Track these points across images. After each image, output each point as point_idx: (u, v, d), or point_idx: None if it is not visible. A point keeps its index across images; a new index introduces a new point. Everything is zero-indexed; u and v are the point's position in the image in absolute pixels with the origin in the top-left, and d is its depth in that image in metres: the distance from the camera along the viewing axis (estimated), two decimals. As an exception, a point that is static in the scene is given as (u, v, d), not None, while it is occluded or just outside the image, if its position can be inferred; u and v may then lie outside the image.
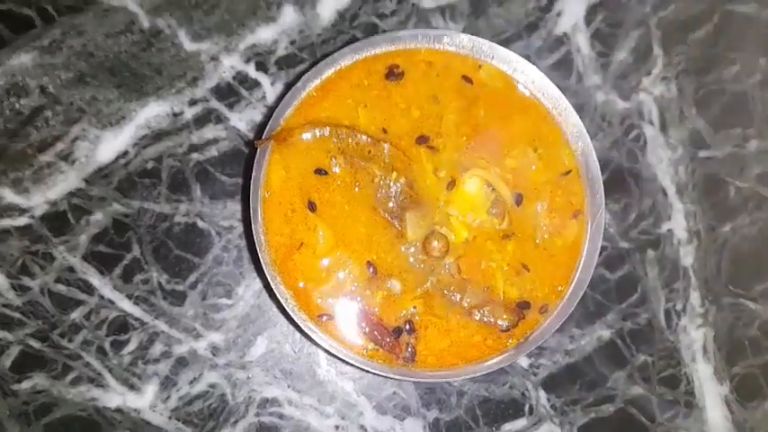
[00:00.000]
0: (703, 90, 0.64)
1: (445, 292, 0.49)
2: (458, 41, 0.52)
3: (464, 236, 0.50)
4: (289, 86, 0.60)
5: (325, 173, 0.49)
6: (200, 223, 0.58)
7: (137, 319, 0.57)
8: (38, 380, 0.56)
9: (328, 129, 0.49)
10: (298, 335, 0.58)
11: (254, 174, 0.49)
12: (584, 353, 0.60)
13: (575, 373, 0.60)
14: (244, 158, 0.59)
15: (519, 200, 0.51)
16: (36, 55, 0.58)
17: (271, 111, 0.59)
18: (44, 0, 0.59)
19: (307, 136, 0.49)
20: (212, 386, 0.57)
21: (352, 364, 0.48)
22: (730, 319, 0.62)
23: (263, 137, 0.49)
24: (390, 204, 0.50)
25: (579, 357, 0.60)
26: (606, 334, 0.61)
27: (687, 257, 0.62)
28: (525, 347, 0.50)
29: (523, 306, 0.50)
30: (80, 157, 0.58)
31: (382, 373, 0.49)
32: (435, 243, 0.49)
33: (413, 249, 0.49)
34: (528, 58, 0.62)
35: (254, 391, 0.57)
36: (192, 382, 0.57)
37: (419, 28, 0.62)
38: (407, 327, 0.49)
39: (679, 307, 0.62)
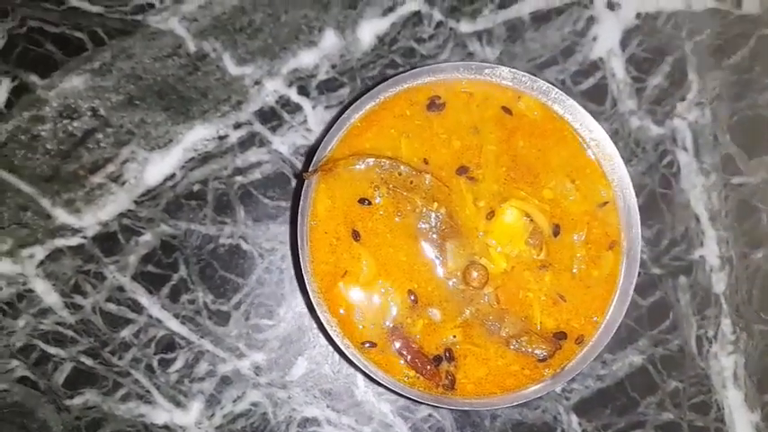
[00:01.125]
0: (737, 116, 0.64)
1: (484, 321, 0.51)
2: (498, 73, 0.53)
3: (502, 266, 0.51)
4: (329, 110, 0.62)
5: (369, 203, 0.51)
6: (244, 245, 0.60)
7: (183, 338, 0.59)
8: (89, 396, 0.58)
9: (373, 159, 0.51)
10: (337, 356, 0.60)
11: (301, 204, 0.50)
12: (615, 378, 0.62)
13: (606, 398, 0.61)
14: (286, 181, 0.61)
15: (556, 231, 0.52)
16: (87, 77, 0.60)
17: (312, 135, 0.61)
18: (95, 23, 0.60)
19: (355, 167, 0.50)
20: (254, 405, 0.59)
21: (393, 391, 0.50)
22: (761, 346, 0.63)
23: (311, 168, 0.51)
24: (431, 234, 0.51)
25: (611, 382, 0.61)
26: (638, 360, 0.62)
27: (719, 284, 0.63)
28: (562, 377, 0.51)
29: (560, 337, 0.51)
30: (129, 178, 0.60)
31: (422, 401, 0.50)
32: (475, 273, 0.50)
33: (453, 279, 0.51)
34: (563, 82, 0.63)
35: (294, 411, 0.59)
36: (235, 401, 0.59)
37: (456, 52, 0.63)
38: (447, 355, 0.50)
39: (710, 333, 0.63)
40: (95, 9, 0.61)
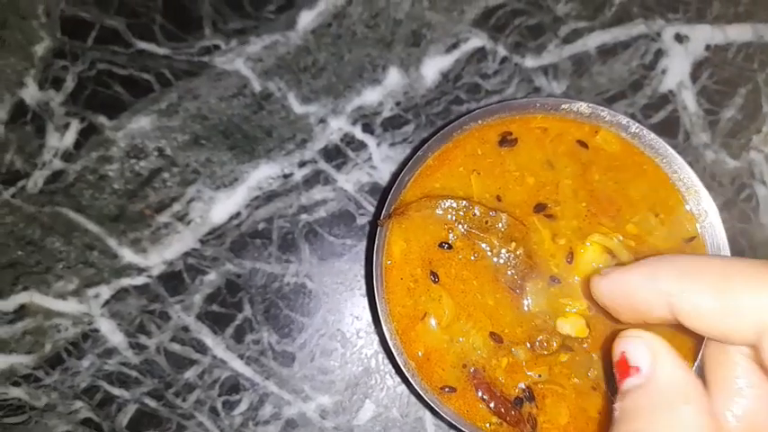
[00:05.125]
0: (816, 147, 0.62)
1: (571, 363, 0.48)
2: (576, 108, 0.52)
3: (585, 304, 0.49)
4: (394, 147, 0.61)
5: (450, 246, 0.49)
6: (309, 284, 0.59)
7: (248, 379, 0.57)
8: (153, 439, 0.57)
9: (447, 202, 0.49)
10: (405, 399, 0.57)
11: (375, 245, 0.49)
12: (700, 424, 0.58)
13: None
14: (351, 219, 0.60)
15: (641, 269, 0.50)
16: (154, 118, 0.61)
17: (377, 172, 0.60)
18: (162, 65, 0.61)
19: (434, 211, 0.49)
20: (321, 450, 0.57)
21: (477, 440, 0.47)
22: None
23: (384, 212, 0.50)
24: (510, 274, 0.49)
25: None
26: (723, 404, 0.58)
27: (807, 324, 0.59)
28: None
29: (652, 381, 0.48)
30: (195, 217, 0.59)
31: (507, 449, 0.48)
32: (541, 340, 0.48)
33: (537, 321, 0.49)
34: (633, 116, 0.62)
35: (362, 456, 0.57)
36: (301, 445, 0.57)
37: (522, 87, 0.62)
38: (527, 394, 0.48)
39: (801, 377, 0.59)
40: (162, 51, 0.61)
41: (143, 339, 0.58)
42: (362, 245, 0.59)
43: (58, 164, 0.60)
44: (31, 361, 0.57)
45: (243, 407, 0.57)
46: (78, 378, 0.57)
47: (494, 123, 0.52)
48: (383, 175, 0.61)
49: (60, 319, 0.58)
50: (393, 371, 0.57)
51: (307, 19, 0.62)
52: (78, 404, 0.57)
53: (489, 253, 0.49)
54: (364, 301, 0.59)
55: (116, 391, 0.57)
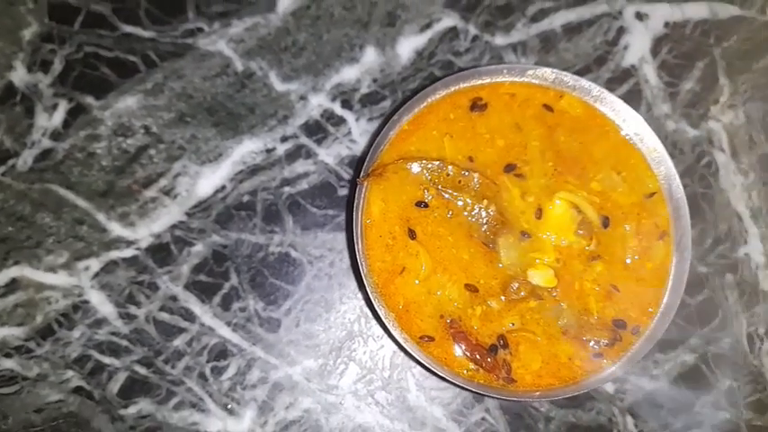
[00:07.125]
0: (771, 116, 0.66)
1: (541, 311, 0.51)
2: (541, 74, 0.55)
3: (554, 256, 0.52)
4: (372, 122, 0.64)
5: (426, 205, 0.52)
6: (293, 253, 0.61)
7: (235, 345, 0.59)
8: (143, 405, 0.58)
9: (422, 162, 0.52)
10: (388, 361, 0.60)
11: (355, 203, 0.52)
12: (668, 378, 0.61)
13: (661, 399, 0.60)
14: (332, 191, 0.62)
15: (606, 222, 0.53)
16: (140, 97, 0.63)
17: (356, 146, 0.63)
18: (147, 47, 0.63)
19: (410, 168, 0.52)
20: (307, 411, 0.59)
21: (456, 385, 0.50)
22: (816, 341, 0.62)
23: (362, 173, 0.52)
24: (483, 230, 0.52)
25: (664, 383, 0.61)
26: (690, 359, 0.61)
27: (766, 281, 0.63)
28: (623, 365, 0.51)
29: (619, 325, 0.51)
30: (181, 191, 0.61)
31: (483, 393, 0.50)
32: (515, 285, 0.51)
33: (510, 272, 0.51)
34: (598, 90, 0.65)
35: (347, 418, 0.59)
36: (287, 408, 0.59)
37: (492, 64, 0.65)
38: (501, 342, 0.51)
39: (761, 331, 0.62)
40: (147, 34, 0.64)
41: (132, 309, 0.59)
42: (344, 215, 0.62)
43: (47, 143, 0.62)
44: (22, 333, 0.59)
45: (231, 372, 0.59)
46: (69, 348, 0.59)
47: (466, 89, 0.55)
48: (362, 148, 0.63)
49: (51, 291, 0.59)
50: (375, 334, 0.60)
51: (286, 1, 0.65)
52: (70, 373, 0.58)
53: (464, 211, 0.52)
54: (347, 269, 0.61)
55: (107, 359, 0.59)
